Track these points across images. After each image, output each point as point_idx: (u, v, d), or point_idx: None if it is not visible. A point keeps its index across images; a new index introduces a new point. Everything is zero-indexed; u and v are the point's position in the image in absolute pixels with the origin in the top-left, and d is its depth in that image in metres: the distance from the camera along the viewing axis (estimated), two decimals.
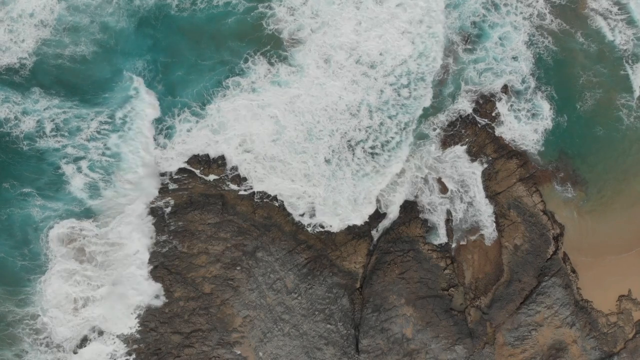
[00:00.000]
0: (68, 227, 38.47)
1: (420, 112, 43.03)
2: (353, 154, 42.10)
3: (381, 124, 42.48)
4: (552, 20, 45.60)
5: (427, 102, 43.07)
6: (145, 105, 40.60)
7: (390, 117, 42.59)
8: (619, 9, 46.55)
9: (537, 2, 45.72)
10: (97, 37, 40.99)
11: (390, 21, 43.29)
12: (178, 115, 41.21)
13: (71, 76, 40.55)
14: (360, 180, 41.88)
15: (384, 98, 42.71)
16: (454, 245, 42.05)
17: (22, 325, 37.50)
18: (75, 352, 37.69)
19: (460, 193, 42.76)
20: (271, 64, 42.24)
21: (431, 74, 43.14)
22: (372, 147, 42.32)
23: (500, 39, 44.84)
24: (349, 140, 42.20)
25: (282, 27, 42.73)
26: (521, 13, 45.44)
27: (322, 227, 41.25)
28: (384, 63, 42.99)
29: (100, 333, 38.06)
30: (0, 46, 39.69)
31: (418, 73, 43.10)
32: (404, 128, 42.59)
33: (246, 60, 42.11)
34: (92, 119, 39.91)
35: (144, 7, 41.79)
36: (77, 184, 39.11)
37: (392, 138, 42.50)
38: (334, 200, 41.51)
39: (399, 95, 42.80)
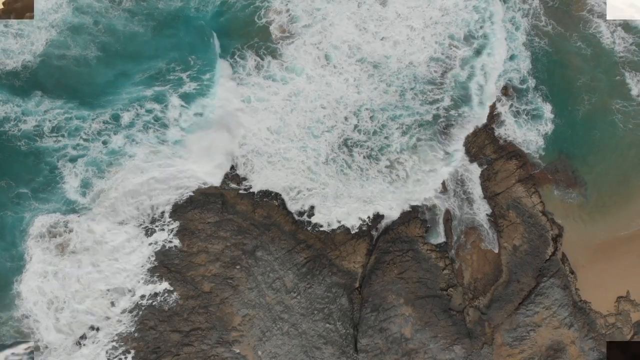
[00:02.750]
0: (53, 222, 38.17)
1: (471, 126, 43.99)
2: (378, 162, 42.60)
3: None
4: (546, 23, 45.96)
5: (484, 120, 43.91)
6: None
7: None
8: None
9: (534, 0, 46.25)
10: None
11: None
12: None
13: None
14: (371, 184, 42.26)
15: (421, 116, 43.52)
16: (453, 250, 42.08)
17: (7, 328, 37.03)
18: (74, 351, 37.40)
19: (459, 193, 42.87)
20: (260, 56, 42.48)
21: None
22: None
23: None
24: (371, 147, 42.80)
25: (277, 20, 43.08)
26: (520, 10, 45.76)
27: (322, 226, 41.32)
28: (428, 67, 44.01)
29: (98, 331, 37.85)
30: (6, 50, 39.39)
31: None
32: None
33: (232, 54, 42.46)
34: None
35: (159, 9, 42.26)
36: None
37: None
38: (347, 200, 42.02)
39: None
